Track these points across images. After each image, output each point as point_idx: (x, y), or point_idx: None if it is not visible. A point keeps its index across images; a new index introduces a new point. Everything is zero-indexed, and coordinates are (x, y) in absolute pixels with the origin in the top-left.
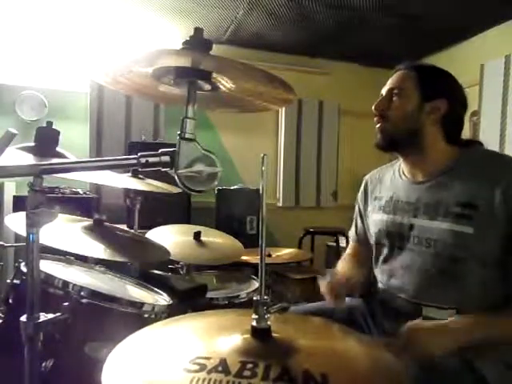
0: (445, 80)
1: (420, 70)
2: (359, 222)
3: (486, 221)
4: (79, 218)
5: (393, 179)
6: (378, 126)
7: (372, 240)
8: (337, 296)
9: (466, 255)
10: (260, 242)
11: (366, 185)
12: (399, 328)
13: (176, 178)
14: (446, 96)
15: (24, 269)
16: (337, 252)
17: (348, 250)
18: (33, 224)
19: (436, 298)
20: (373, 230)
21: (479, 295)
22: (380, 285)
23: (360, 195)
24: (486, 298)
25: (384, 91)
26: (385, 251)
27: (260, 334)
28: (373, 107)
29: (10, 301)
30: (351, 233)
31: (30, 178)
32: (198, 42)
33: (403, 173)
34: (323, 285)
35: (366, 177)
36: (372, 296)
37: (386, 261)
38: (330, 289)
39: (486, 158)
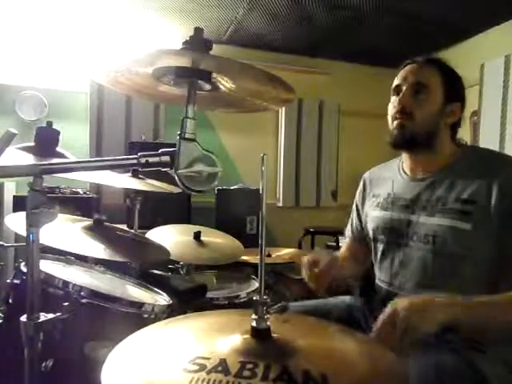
0: (461, 83)
1: (443, 68)
2: (356, 219)
3: (484, 217)
4: (79, 217)
5: (392, 176)
6: (399, 121)
7: (369, 237)
8: (319, 284)
9: (465, 251)
10: (260, 242)
11: (365, 182)
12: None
13: (176, 178)
14: (462, 100)
15: (24, 269)
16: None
17: (343, 247)
18: (33, 224)
19: (434, 294)
20: (370, 227)
21: (477, 292)
22: (379, 282)
23: (358, 193)
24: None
25: (407, 84)
26: (382, 248)
27: (260, 334)
28: (396, 102)
29: (10, 301)
30: (347, 230)
31: (30, 178)
32: (197, 42)
33: (403, 170)
34: (307, 274)
35: (365, 174)
36: (372, 294)
37: (383, 258)
38: (314, 277)
39: (485, 156)
